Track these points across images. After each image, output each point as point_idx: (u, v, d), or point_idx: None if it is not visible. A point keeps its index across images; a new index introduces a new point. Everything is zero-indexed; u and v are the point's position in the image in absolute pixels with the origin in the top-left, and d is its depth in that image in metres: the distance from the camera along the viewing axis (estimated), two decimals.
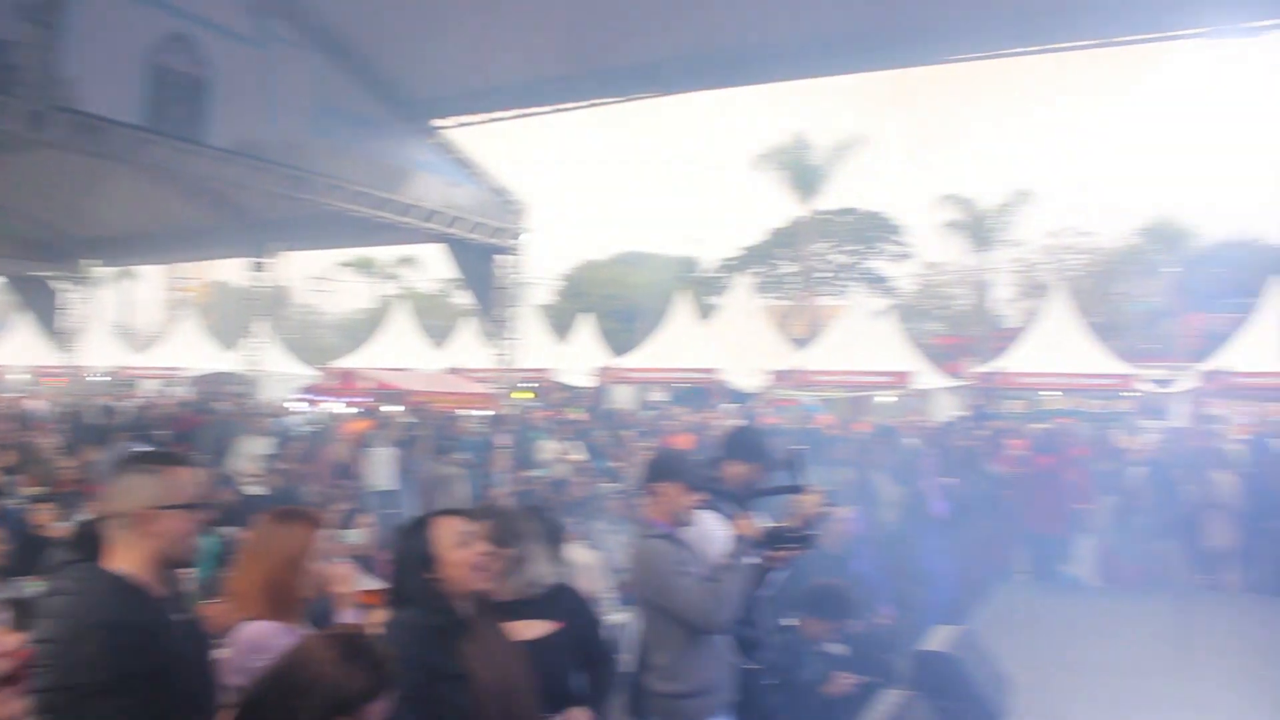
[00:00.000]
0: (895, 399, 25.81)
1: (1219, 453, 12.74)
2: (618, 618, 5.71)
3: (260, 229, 18.29)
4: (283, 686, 2.33)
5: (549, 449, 15.73)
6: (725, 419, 18.55)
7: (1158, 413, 23.37)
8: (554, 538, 4.36)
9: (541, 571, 4.10)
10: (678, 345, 28.47)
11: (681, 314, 30.06)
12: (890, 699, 5.23)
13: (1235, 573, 11.45)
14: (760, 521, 4.45)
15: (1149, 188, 59.99)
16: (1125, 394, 25.19)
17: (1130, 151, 59.16)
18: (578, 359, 30.44)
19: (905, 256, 48.61)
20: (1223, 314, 28.41)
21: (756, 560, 4.31)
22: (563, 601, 4.12)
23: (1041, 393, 26.57)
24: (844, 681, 5.72)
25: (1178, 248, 41.32)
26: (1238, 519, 11.24)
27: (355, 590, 3.60)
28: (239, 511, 7.21)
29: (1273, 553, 11.08)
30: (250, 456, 12.92)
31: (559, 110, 14.82)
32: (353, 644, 2.42)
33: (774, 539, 4.35)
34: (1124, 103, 59.18)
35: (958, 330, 40.66)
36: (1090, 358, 25.43)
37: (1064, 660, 7.96)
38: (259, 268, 19.34)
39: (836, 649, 5.95)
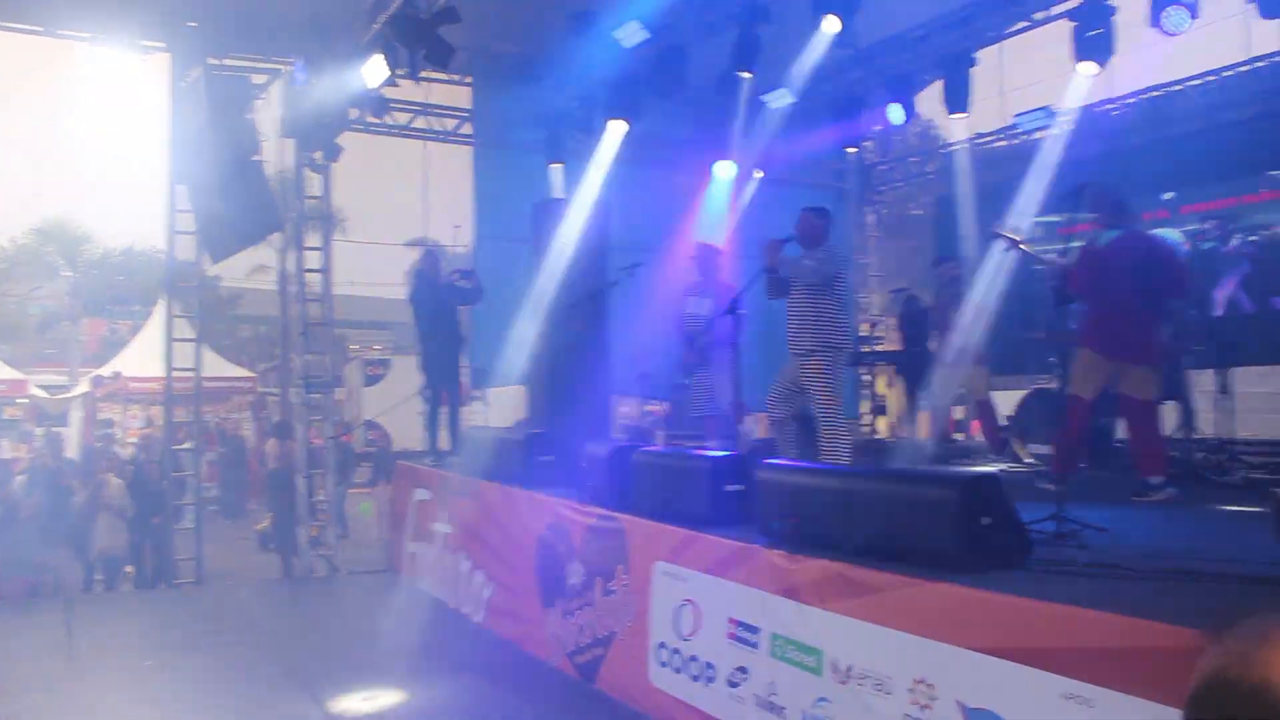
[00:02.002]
0: None
1: (111, 455, 13.12)
2: None
3: None
4: None
5: None
6: None
7: (52, 419, 22.86)
8: None
9: None
10: None
11: None
12: None
13: (126, 572, 11.72)
14: None
15: (47, 188, 57.54)
16: (18, 400, 24.20)
17: (25, 148, 56.35)
18: None
19: None
20: (119, 320, 29.06)
21: None
22: None
23: None
24: None
25: (76, 252, 40.70)
26: (127, 520, 11.52)
27: None
28: None
29: (158, 548, 11.60)
30: None
31: None
32: None
33: None
34: (19, 95, 56.12)
35: None
36: None
37: None
38: None
39: None
